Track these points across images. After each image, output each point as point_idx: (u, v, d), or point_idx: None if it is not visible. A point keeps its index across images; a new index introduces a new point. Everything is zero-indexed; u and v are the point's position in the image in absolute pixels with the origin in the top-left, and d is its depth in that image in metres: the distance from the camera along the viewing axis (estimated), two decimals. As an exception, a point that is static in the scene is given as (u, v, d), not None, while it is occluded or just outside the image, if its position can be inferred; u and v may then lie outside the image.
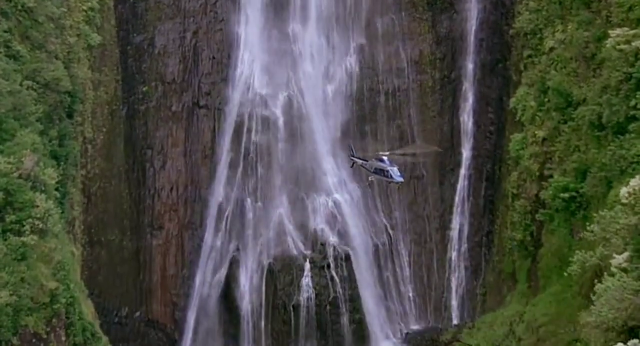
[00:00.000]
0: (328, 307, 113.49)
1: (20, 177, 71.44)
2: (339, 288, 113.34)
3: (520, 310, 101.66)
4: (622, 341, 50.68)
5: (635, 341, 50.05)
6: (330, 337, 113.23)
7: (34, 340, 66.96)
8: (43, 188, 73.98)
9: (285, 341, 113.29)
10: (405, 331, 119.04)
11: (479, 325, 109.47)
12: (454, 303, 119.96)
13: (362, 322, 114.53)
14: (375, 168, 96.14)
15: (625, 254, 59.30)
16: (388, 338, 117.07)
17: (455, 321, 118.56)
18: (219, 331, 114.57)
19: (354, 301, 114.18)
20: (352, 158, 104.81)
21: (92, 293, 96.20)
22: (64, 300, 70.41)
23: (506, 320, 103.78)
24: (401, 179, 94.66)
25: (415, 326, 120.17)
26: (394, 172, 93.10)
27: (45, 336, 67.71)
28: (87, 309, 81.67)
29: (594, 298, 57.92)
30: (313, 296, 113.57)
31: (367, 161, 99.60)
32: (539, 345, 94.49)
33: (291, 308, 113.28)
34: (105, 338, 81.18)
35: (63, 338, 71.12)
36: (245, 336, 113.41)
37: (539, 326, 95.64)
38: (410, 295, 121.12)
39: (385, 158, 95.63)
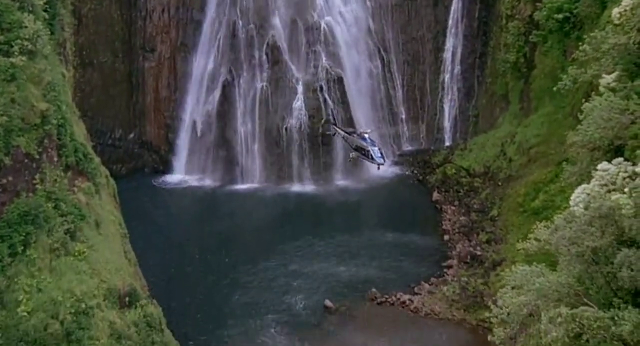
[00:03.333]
0: (321, 130, 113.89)
1: (7, -4, 70.34)
2: (331, 111, 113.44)
3: (512, 131, 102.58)
4: (607, 160, 50.91)
5: (620, 159, 50.28)
6: (321, 158, 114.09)
7: (26, 160, 67.27)
8: (31, 9, 72.74)
9: (278, 162, 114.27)
10: (397, 152, 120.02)
11: (470, 146, 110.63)
12: (447, 124, 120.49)
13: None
14: (356, 146, 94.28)
15: (614, 74, 59.32)
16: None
17: (447, 143, 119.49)
18: (212, 153, 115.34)
19: (347, 123, 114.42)
20: (334, 127, 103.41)
21: (85, 115, 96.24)
22: (55, 121, 70.14)
23: (498, 141, 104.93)
24: (381, 160, 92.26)
25: (407, 148, 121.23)
26: (375, 151, 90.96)
27: (37, 156, 67.95)
28: (80, 130, 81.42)
29: (581, 117, 58.10)
30: (306, 118, 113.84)
31: (349, 134, 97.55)
32: (529, 165, 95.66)
33: (284, 131, 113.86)
34: (97, 159, 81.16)
35: (55, 159, 71.35)
36: (238, 158, 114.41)
37: (530, 147, 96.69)
38: (403, 117, 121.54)
39: (367, 136, 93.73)
